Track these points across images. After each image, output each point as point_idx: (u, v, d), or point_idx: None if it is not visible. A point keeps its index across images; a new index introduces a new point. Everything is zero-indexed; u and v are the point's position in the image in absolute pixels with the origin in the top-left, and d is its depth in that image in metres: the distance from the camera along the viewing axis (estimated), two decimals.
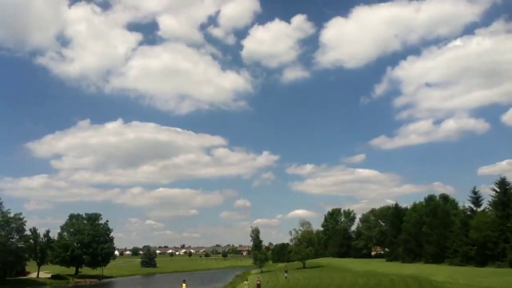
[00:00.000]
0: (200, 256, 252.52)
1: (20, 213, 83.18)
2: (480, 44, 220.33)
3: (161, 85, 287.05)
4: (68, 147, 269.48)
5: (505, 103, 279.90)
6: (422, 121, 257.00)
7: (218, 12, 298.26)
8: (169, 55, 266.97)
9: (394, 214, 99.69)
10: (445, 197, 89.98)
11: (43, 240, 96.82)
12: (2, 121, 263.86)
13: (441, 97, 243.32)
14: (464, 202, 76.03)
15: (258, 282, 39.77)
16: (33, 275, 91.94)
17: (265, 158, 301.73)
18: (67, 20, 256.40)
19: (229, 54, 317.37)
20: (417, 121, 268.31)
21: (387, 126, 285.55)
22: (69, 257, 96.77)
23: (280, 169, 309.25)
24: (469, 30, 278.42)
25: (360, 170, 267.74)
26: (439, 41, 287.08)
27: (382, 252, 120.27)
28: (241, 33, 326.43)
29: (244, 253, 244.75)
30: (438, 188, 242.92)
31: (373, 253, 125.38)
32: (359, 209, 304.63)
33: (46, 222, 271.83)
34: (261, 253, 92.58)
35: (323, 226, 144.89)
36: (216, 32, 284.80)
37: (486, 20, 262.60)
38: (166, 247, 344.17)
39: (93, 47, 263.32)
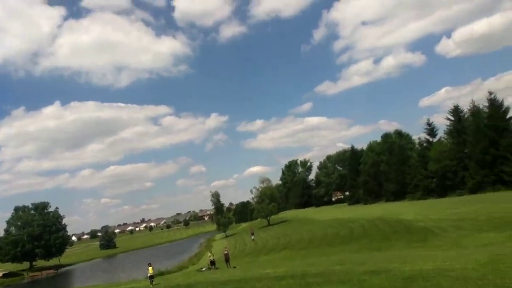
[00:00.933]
0: (162, 229, 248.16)
1: None
2: None
3: (95, 59, 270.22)
4: (6, 137, 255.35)
5: (438, 32, 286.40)
6: (363, 62, 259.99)
7: None
8: (98, 27, 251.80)
9: (351, 157, 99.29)
10: (399, 133, 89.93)
11: None
12: None
13: (378, 35, 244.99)
14: (418, 135, 75.99)
15: (226, 252, 36.06)
16: None
17: (214, 120, 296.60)
18: None
19: (161, 18, 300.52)
20: (358, 62, 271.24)
21: (329, 71, 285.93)
22: (20, 253, 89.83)
23: (231, 129, 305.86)
24: None
25: (309, 118, 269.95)
26: None
27: (342, 196, 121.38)
28: None
29: (206, 218, 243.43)
30: (384, 126, 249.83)
31: (334, 199, 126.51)
32: (314, 157, 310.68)
33: None
34: (224, 217, 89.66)
35: (281, 179, 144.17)
36: None
37: None
38: (125, 224, 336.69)
39: (14, 29, 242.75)
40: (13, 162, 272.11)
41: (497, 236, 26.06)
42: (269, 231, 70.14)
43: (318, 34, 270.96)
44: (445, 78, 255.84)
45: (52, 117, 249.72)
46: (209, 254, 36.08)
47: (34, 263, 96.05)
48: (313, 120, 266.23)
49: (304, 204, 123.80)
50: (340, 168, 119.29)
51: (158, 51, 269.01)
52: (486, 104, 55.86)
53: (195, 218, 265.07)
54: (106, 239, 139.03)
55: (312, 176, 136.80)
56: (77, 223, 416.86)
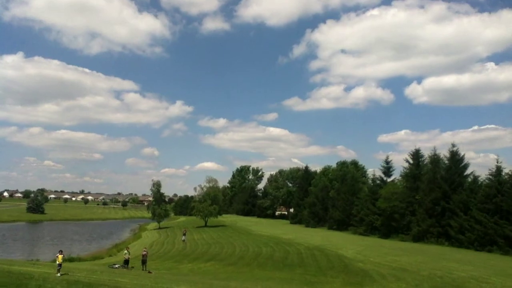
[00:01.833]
0: (98, 204, 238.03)
1: None
2: (396, 16, 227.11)
3: (70, 20, 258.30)
4: None
5: (409, 76, 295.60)
6: (334, 86, 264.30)
7: None
8: None
9: (303, 177, 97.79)
10: (355, 164, 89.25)
11: None
12: None
13: (353, 64, 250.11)
14: (373, 169, 75.13)
15: (144, 253, 32.31)
16: None
17: (178, 108, 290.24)
18: None
19: None
20: (330, 85, 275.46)
21: (301, 88, 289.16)
22: None
23: (193, 121, 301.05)
24: (387, 0, 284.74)
25: (272, 128, 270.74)
26: (359, 9, 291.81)
27: (286, 213, 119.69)
28: None
29: (146, 203, 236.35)
30: (341, 152, 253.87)
31: (277, 213, 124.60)
32: (267, 166, 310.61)
33: None
34: (161, 208, 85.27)
35: (230, 182, 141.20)
36: None
37: None
38: (62, 191, 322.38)
39: None
40: None
41: None
42: (203, 233, 66.69)
43: (298, 50, 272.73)
44: (407, 121, 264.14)
45: (12, 66, 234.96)
46: (125, 251, 32.14)
47: None
48: (276, 131, 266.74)
49: (247, 212, 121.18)
50: (290, 185, 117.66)
51: (137, 27, 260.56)
52: (447, 155, 55.25)
53: (135, 201, 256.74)
54: (36, 202, 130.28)
55: (261, 186, 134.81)
56: (13, 179, 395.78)
